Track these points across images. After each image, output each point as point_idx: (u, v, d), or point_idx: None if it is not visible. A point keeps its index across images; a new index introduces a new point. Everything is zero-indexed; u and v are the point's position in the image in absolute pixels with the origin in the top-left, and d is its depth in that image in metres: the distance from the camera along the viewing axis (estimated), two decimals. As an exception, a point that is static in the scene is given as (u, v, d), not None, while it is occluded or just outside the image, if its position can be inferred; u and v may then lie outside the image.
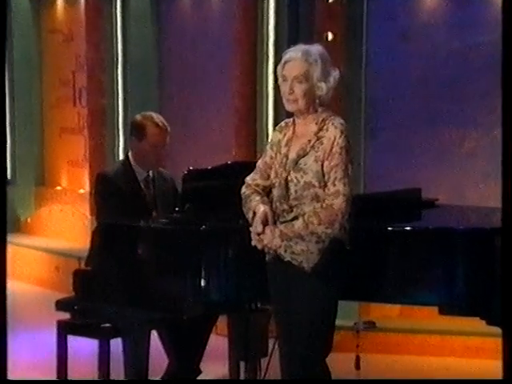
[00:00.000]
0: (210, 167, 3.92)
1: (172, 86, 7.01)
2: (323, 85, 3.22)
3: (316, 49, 3.26)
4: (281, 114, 5.81)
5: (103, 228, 3.86)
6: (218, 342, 4.39)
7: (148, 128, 4.12)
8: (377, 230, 3.53)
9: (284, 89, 3.27)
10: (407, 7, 5.69)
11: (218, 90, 6.41)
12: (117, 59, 7.26)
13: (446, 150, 5.67)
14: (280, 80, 3.30)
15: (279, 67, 3.31)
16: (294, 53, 3.25)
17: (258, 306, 3.95)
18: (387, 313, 5.41)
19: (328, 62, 3.24)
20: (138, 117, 4.20)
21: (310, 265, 3.20)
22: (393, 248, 3.47)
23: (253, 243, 3.24)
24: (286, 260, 3.23)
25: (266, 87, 5.90)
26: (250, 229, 3.24)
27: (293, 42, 5.84)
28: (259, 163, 3.42)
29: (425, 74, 5.68)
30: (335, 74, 3.25)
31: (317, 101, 3.25)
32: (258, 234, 3.21)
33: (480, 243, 3.33)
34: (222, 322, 4.33)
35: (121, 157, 7.20)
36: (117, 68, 7.27)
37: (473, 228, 3.47)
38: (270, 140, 3.44)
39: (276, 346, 3.50)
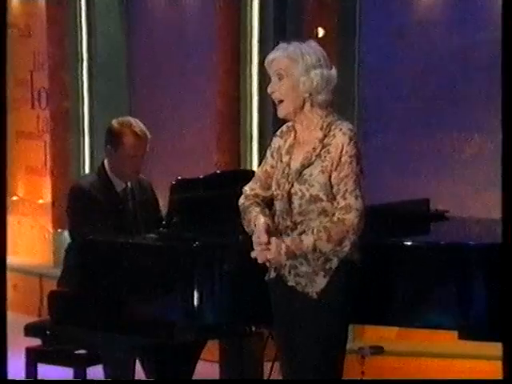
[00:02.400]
0: (201, 176, 3.84)
1: (143, 86, 6.91)
2: (304, 79, 3.14)
3: (299, 44, 3.21)
4: (266, 116, 5.77)
5: (81, 245, 3.74)
6: (206, 370, 4.29)
7: (125, 137, 4.02)
8: (385, 245, 3.46)
9: (268, 90, 3.23)
10: (403, 2, 5.66)
11: (196, 90, 6.32)
12: (81, 57, 7.12)
13: (446, 156, 5.64)
14: None
15: (266, 69, 3.27)
16: (276, 51, 3.23)
17: (253, 329, 3.87)
18: (384, 334, 5.35)
19: (316, 58, 3.17)
20: (115, 123, 4.09)
21: (316, 289, 3.11)
22: (404, 265, 3.43)
23: (253, 255, 3.10)
24: (289, 284, 3.14)
25: (250, 87, 5.83)
26: (253, 239, 3.12)
27: (279, 38, 5.77)
28: (258, 172, 3.34)
29: (422, 74, 5.64)
30: (327, 71, 3.17)
31: (308, 100, 3.15)
32: (260, 245, 3.08)
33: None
34: (209, 346, 4.22)
35: (86, 164, 7.09)
36: (81, 67, 7.13)
37: (492, 243, 3.40)
38: (269, 146, 3.34)
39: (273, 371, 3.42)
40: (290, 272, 3.15)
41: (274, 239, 3.05)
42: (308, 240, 3.05)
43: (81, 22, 7.10)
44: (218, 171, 4.20)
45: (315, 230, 3.06)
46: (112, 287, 3.60)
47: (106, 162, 4.14)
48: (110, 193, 4.03)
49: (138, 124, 4.08)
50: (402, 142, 5.70)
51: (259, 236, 3.06)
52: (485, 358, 4.86)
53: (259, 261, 3.11)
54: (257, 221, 3.14)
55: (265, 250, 3.06)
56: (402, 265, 3.39)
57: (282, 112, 3.20)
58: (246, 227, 3.22)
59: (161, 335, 3.50)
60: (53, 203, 7.07)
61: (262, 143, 5.76)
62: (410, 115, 5.70)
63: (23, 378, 4.09)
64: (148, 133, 4.08)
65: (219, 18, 5.82)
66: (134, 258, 3.60)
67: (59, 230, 7.00)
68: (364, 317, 3.40)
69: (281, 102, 3.17)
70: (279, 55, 3.18)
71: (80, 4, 7.09)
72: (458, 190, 5.59)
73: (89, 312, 3.64)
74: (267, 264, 3.17)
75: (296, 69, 3.13)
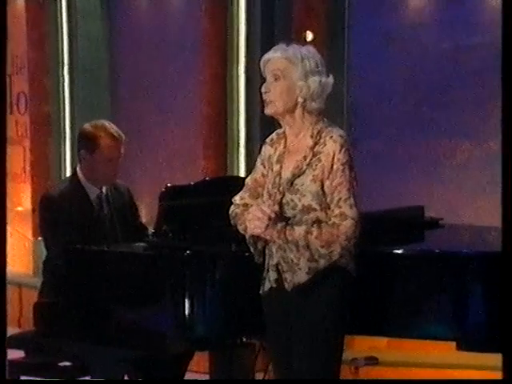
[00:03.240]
0: (191, 183, 3.82)
1: (125, 90, 6.88)
2: (302, 84, 3.13)
3: (299, 47, 3.21)
4: (254, 121, 5.76)
5: (66, 254, 3.72)
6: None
7: (101, 139, 3.97)
8: (380, 254, 3.46)
9: (262, 89, 3.21)
10: (393, 5, 5.67)
11: (181, 95, 6.31)
12: (62, 60, 7.10)
13: (436, 162, 5.65)
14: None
15: (261, 68, 3.25)
16: (274, 51, 3.21)
17: (244, 340, 3.86)
18: (374, 344, 5.34)
19: (315, 63, 3.17)
20: (88, 127, 4.06)
21: (294, 281, 3.11)
22: (399, 274, 3.43)
23: (250, 230, 3.11)
24: (274, 262, 3.11)
25: (237, 92, 5.81)
26: (250, 214, 3.09)
27: (267, 41, 5.86)
28: (248, 180, 3.34)
29: (412, 79, 5.65)
30: (324, 78, 3.17)
31: (300, 105, 3.15)
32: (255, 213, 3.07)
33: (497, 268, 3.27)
34: (198, 357, 4.22)
35: (68, 170, 7.05)
36: (62, 70, 7.11)
37: (491, 252, 3.41)
38: (259, 155, 3.35)
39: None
40: (277, 251, 3.14)
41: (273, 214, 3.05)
42: (300, 229, 3.05)
43: (61, 24, 7.07)
44: (209, 178, 4.16)
45: (309, 225, 3.06)
46: (99, 298, 3.58)
47: (78, 168, 4.08)
48: (83, 201, 3.96)
49: (112, 126, 4.05)
50: (391, 148, 5.71)
51: (264, 208, 3.05)
52: (481, 368, 4.88)
53: (249, 230, 3.10)
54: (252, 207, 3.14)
55: (259, 218, 3.03)
56: (397, 273, 3.39)
57: (270, 110, 3.19)
58: (240, 229, 3.21)
59: (151, 347, 3.48)
60: (33, 210, 7.03)
61: (250, 149, 5.76)
62: (399, 120, 5.71)
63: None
64: (122, 135, 4.04)
65: (205, 20, 5.81)
66: (123, 267, 3.58)
67: (39, 239, 6.93)
68: (358, 327, 3.39)
69: (271, 101, 3.16)
70: (278, 56, 3.17)
71: (60, 6, 7.06)
72: (449, 197, 5.61)
73: (76, 324, 3.61)
74: (265, 274, 3.16)
75: (294, 72, 3.13)
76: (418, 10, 5.69)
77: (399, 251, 3.47)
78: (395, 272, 3.41)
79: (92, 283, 3.61)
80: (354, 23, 5.65)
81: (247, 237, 3.23)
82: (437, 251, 3.50)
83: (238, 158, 5.80)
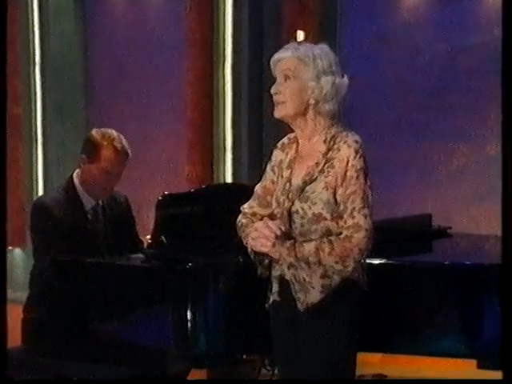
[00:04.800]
0: (191, 190, 3.80)
1: (102, 92, 6.83)
2: (314, 85, 3.08)
3: (312, 46, 3.15)
4: (241, 126, 5.74)
5: (59, 266, 3.66)
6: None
7: (104, 150, 3.89)
8: (391, 265, 3.44)
9: (272, 91, 3.15)
10: (386, 5, 5.69)
11: (164, 98, 6.27)
12: (34, 60, 7.03)
13: (431, 168, 5.68)
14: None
15: (272, 69, 3.20)
16: (285, 50, 3.14)
17: (244, 356, 3.83)
18: (367, 359, 5.32)
19: (329, 63, 3.11)
20: (95, 132, 3.98)
21: (308, 301, 3.06)
22: (412, 287, 3.40)
23: (256, 248, 3.04)
24: (286, 278, 3.09)
25: (224, 95, 5.81)
26: (256, 231, 3.03)
27: (256, 42, 5.86)
28: (257, 188, 3.28)
29: (406, 81, 5.67)
30: (338, 79, 3.12)
31: (312, 107, 3.10)
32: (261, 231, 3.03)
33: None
34: (194, 373, 4.18)
35: (40, 176, 6.98)
36: (34, 71, 7.04)
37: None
38: (269, 160, 3.28)
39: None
40: (289, 268, 3.10)
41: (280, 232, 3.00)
42: (310, 246, 3.01)
43: (33, 21, 7.01)
44: (207, 185, 4.11)
45: (318, 241, 3.01)
46: (95, 313, 3.52)
47: (75, 175, 4.01)
48: (78, 211, 3.89)
49: (120, 139, 3.96)
50: (384, 153, 5.71)
51: (274, 228, 2.99)
52: None
53: (256, 249, 3.05)
54: (257, 222, 3.10)
55: (266, 236, 3.00)
56: (410, 286, 3.37)
57: (280, 112, 3.12)
58: (244, 242, 3.16)
59: (149, 366, 3.43)
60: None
61: (237, 154, 5.74)
62: (393, 124, 5.72)
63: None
64: (130, 151, 3.98)
65: (190, 20, 5.79)
66: (120, 280, 3.53)
67: (10, 248, 6.87)
68: (368, 344, 3.36)
69: (282, 103, 3.11)
70: (288, 55, 3.10)
71: (32, 3, 7.00)
72: (444, 203, 5.63)
73: (68, 341, 3.56)
74: (272, 284, 3.13)
75: (305, 72, 3.07)
76: (411, 10, 5.71)
77: (409, 262, 3.45)
78: (407, 284, 3.39)
79: (86, 298, 3.54)
80: (346, 23, 5.66)
81: (249, 250, 3.17)
82: (454, 263, 3.46)
83: (224, 163, 5.78)
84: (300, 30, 5.43)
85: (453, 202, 5.63)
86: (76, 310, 3.59)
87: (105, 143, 3.89)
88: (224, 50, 5.79)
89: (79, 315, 3.57)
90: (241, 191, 3.36)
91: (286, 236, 3.03)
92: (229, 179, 5.70)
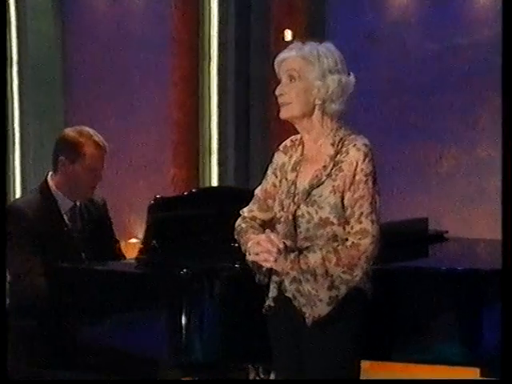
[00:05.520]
0: (183, 194, 3.75)
1: (82, 92, 6.78)
2: (320, 84, 3.05)
3: (317, 45, 3.12)
4: (227, 126, 5.72)
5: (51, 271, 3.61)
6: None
7: (85, 147, 3.83)
8: (392, 271, 3.41)
9: (277, 92, 3.12)
10: (375, 3, 5.68)
11: (147, 98, 6.24)
12: (11, 59, 6.94)
13: (421, 170, 5.68)
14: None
15: (276, 69, 3.17)
16: (290, 50, 3.11)
17: (237, 364, 3.79)
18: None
19: (334, 61, 3.08)
20: (71, 132, 3.90)
21: (314, 314, 3.03)
22: (414, 293, 3.37)
23: (251, 258, 2.99)
24: (287, 295, 3.05)
25: (209, 95, 5.78)
26: (258, 246, 2.97)
27: (243, 41, 5.84)
28: (257, 191, 3.24)
29: (395, 81, 5.68)
30: (345, 77, 3.09)
31: (319, 107, 3.07)
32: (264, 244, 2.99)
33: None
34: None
35: (17, 180, 6.92)
36: (11, 69, 6.95)
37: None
38: (271, 163, 3.24)
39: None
40: (291, 283, 3.06)
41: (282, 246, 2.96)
42: (316, 256, 2.96)
43: (9, 18, 6.91)
44: (200, 189, 4.08)
45: (324, 251, 2.98)
46: (83, 321, 3.46)
47: (50, 177, 3.95)
48: (54, 214, 3.82)
49: (96, 134, 3.92)
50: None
51: (276, 242, 2.95)
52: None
53: (263, 263, 3.00)
54: (258, 235, 3.05)
55: (268, 251, 2.96)
56: (412, 292, 3.35)
57: (286, 113, 3.08)
58: (242, 248, 3.12)
59: (140, 375, 3.39)
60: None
61: (223, 156, 5.72)
62: (382, 125, 5.72)
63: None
64: (107, 145, 3.94)
65: (174, 18, 5.76)
66: (111, 287, 3.47)
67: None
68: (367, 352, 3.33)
69: (287, 104, 3.08)
70: (293, 55, 3.07)
71: (8, 1, 6.92)
72: (433, 206, 5.64)
73: (53, 351, 3.51)
74: (270, 290, 3.09)
75: (311, 72, 3.03)
76: (401, 9, 5.72)
77: (411, 267, 3.43)
78: (408, 290, 3.36)
79: (74, 305, 3.48)
80: (335, 22, 5.64)
81: (247, 256, 3.14)
82: (458, 268, 3.44)
83: (210, 166, 5.75)
84: (288, 29, 5.41)
85: (442, 205, 5.64)
86: (64, 318, 3.54)
87: (84, 140, 3.83)
88: (210, 49, 5.76)
89: (67, 324, 3.52)
90: (232, 194, 3.39)
91: (291, 247, 3.00)
92: (214, 182, 5.68)
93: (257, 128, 5.49)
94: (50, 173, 3.89)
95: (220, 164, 5.76)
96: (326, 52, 3.08)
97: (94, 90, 6.71)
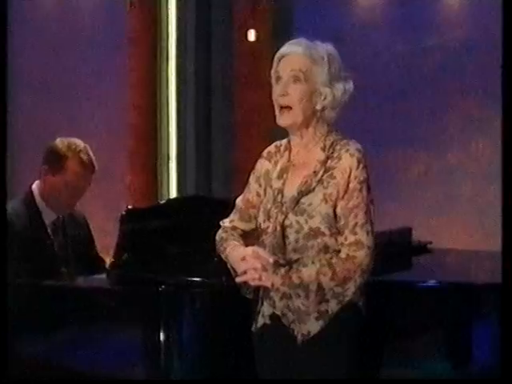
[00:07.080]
0: (159, 203, 3.66)
1: (27, 96, 6.67)
2: (327, 91, 2.94)
3: (325, 46, 3.01)
4: (187, 132, 5.66)
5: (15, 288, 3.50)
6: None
7: (68, 161, 3.77)
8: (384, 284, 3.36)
9: (276, 91, 2.99)
10: (340, 4, 5.67)
11: (101, 101, 6.13)
12: None
13: (390, 176, 5.67)
14: (273, 81, 3.00)
15: (274, 64, 3.02)
16: (295, 45, 2.96)
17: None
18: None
19: (339, 66, 2.98)
20: (59, 142, 3.83)
21: (304, 331, 2.95)
22: (407, 307, 3.33)
23: (242, 279, 2.88)
24: (276, 312, 2.96)
25: (167, 98, 5.71)
26: (245, 262, 2.86)
27: (202, 41, 5.78)
28: (238, 201, 3.13)
29: (362, 84, 5.52)
30: (348, 85, 3.01)
31: (318, 114, 2.98)
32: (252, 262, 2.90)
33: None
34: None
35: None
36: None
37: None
38: (254, 171, 3.13)
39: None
40: (281, 299, 2.97)
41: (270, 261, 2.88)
42: (310, 270, 2.87)
43: None
44: (172, 198, 4.00)
45: (318, 264, 2.89)
46: (55, 341, 3.39)
47: (35, 186, 3.89)
48: (37, 225, 3.76)
49: (87, 150, 3.85)
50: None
51: (265, 257, 2.86)
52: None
53: (251, 281, 2.91)
54: (242, 249, 2.96)
55: (256, 268, 2.86)
56: (406, 306, 3.31)
57: (288, 120, 2.94)
58: (223, 256, 3.02)
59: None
60: None
61: (182, 163, 5.64)
62: (346, 129, 5.64)
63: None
64: (96, 165, 3.86)
65: (131, 17, 5.68)
66: (82, 305, 3.39)
67: None
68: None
69: (288, 108, 2.95)
70: (299, 52, 2.91)
71: None
72: (401, 214, 5.61)
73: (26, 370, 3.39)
74: (260, 306, 3.00)
75: (319, 75, 2.91)
76: (367, 10, 5.71)
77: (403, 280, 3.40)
78: (401, 304, 3.32)
79: (46, 323, 3.39)
80: (301, 22, 5.60)
81: (230, 267, 3.05)
82: (455, 282, 3.42)
83: (168, 173, 5.67)
84: (252, 28, 5.36)
85: (411, 212, 5.62)
86: (36, 335, 3.44)
87: (70, 154, 3.77)
88: (168, 49, 5.70)
89: (39, 343, 3.43)
90: (207, 204, 3.35)
91: (279, 261, 2.91)
92: (173, 189, 5.60)
93: (219, 132, 5.42)
94: (36, 181, 3.84)
95: (179, 171, 5.69)
96: (334, 55, 2.97)
97: (42, 94, 6.62)
